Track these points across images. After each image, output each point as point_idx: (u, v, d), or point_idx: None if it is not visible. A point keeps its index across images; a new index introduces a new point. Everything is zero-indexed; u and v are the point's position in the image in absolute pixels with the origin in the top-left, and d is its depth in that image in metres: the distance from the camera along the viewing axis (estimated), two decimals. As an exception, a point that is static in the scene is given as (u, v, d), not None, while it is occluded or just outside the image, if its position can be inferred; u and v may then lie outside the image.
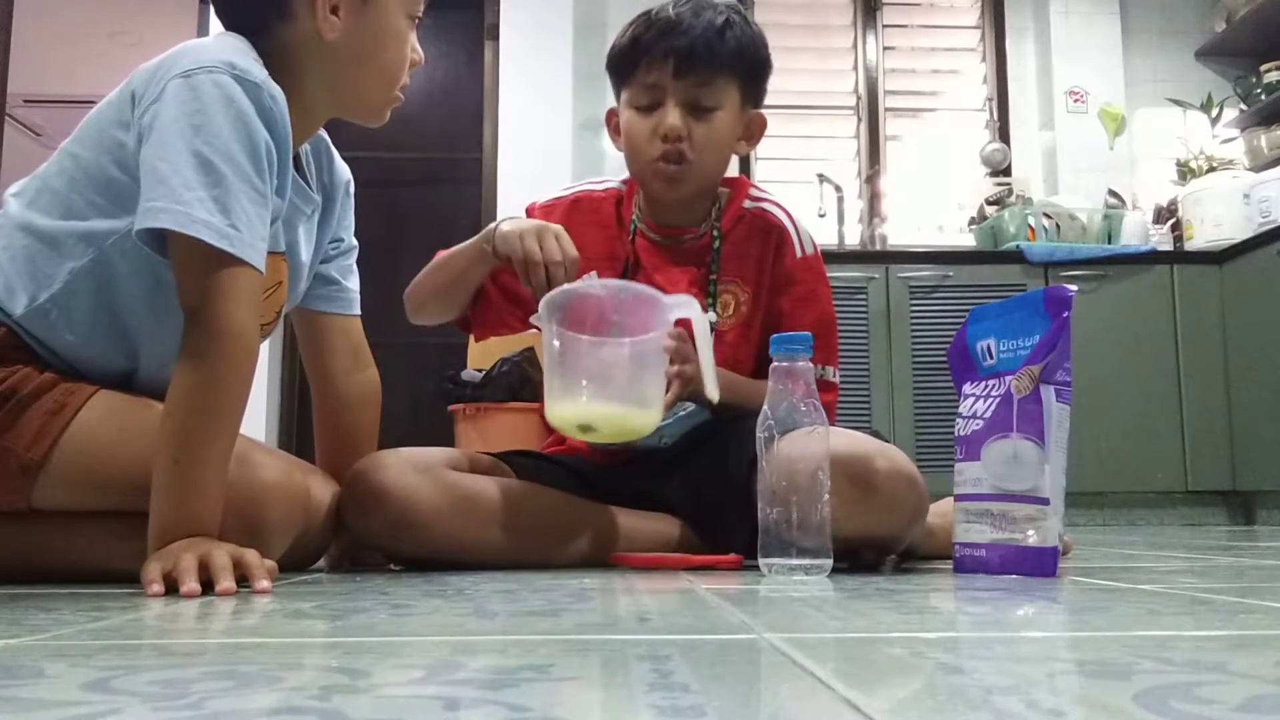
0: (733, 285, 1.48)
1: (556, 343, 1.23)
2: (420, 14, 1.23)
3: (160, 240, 1.03)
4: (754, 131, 1.50)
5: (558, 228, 1.33)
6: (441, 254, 1.47)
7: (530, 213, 1.52)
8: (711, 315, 1.45)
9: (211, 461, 1.01)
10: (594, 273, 1.47)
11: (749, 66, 1.44)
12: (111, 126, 1.10)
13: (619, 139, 1.50)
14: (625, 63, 1.44)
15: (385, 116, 1.26)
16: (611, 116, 1.52)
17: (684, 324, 1.28)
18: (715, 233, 1.49)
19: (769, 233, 1.49)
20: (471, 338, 1.61)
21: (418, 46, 1.24)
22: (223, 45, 1.09)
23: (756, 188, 1.55)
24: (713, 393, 1.23)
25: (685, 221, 1.50)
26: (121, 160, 1.08)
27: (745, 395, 1.34)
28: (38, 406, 1.07)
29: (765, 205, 1.51)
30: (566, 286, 1.26)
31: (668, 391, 1.28)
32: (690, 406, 1.37)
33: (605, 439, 1.27)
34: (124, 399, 1.13)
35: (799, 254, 1.49)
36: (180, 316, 1.03)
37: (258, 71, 1.07)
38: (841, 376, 1.54)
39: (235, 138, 1.03)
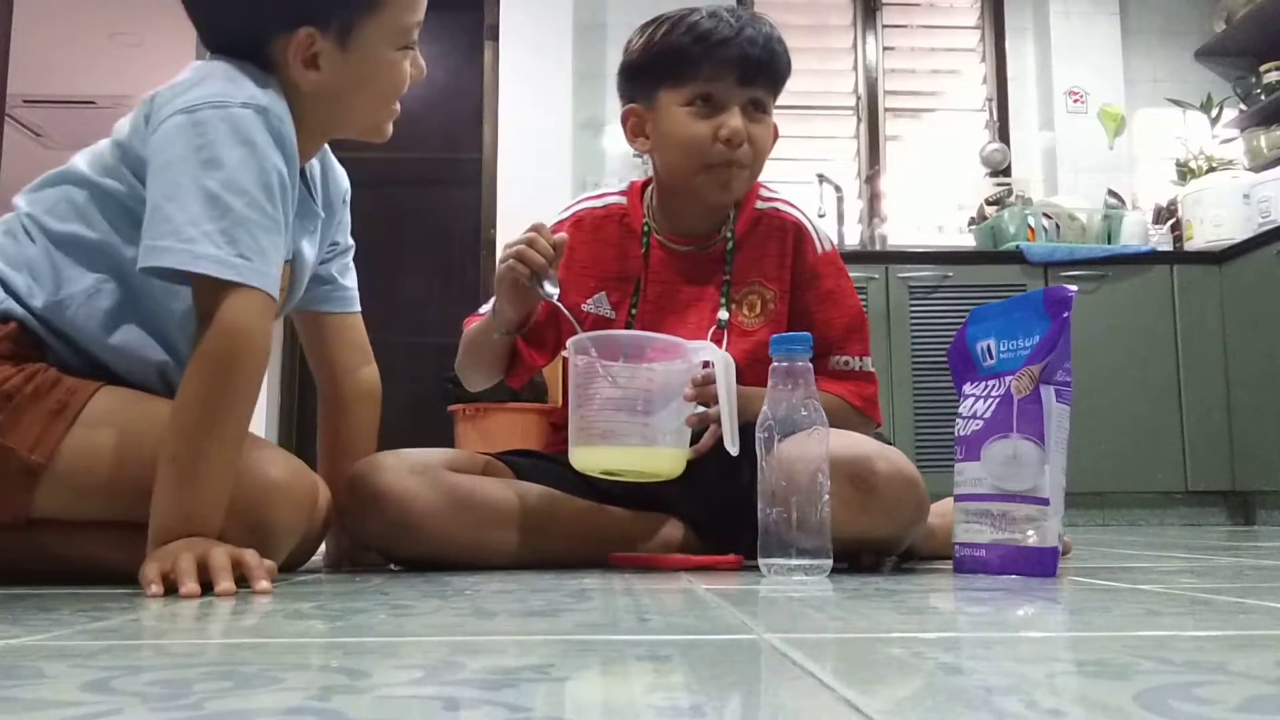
0: (757, 285, 1.47)
1: (579, 380, 1.24)
2: (413, 41, 1.20)
3: (172, 269, 1.03)
4: (774, 137, 1.51)
5: (530, 235, 1.33)
6: (469, 324, 1.48)
7: None
8: (723, 314, 1.45)
9: (214, 462, 1.00)
10: (603, 294, 1.46)
11: (786, 78, 1.46)
12: (129, 152, 1.11)
13: (638, 140, 1.48)
14: (682, 64, 1.40)
15: (388, 132, 1.25)
16: (629, 116, 1.47)
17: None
18: (729, 234, 1.49)
19: (786, 231, 1.48)
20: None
21: (419, 60, 1.22)
22: (228, 72, 1.08)
23: (766, 187, 1.54)
24: (732, 446, 1.22)
25: (706, 228, 1.49)
26: (136, 188, 1.09)
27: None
28: (39, 407, 1.05)
29: (778, 205, 1.51)
30: (590, 334, 1.27)
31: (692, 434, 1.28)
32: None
33: (631, 479, 1.28)
34: (127, 397, 1.11)
35: (819, 249, 1.49)
36: None
37: (262, 96, 1.07)
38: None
39: (243, 169, 1.03)
